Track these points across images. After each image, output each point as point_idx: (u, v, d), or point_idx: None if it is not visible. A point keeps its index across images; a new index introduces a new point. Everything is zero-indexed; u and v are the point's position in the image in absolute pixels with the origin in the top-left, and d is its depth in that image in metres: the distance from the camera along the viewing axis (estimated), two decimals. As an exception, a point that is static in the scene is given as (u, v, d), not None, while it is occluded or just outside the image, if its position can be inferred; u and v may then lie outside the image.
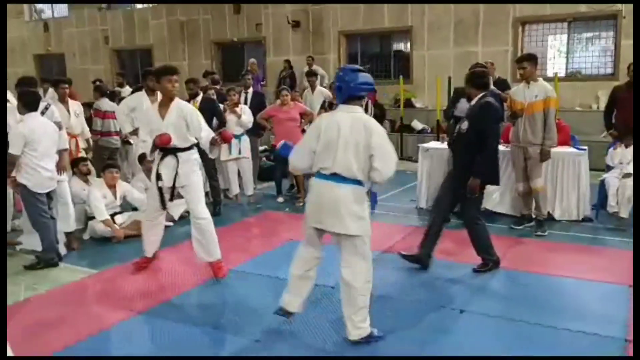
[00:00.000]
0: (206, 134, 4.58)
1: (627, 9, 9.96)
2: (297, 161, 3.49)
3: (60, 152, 5.15)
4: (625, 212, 5.73)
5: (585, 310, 3.92)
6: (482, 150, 4.41)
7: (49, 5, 17.95)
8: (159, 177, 4.54)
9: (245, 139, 7.17)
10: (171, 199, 4.80)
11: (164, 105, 4.56)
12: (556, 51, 11.40)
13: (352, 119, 3.25)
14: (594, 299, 4.11)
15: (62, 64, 17.23)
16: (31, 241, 5.24)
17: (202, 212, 4.54)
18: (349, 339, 3.36)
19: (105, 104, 7.54)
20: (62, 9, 17.62)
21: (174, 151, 4.52)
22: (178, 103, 4.58)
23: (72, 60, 17.15)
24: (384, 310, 3.83)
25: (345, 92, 3.32)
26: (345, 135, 3.20)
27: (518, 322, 3.71)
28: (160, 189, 4.58)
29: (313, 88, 8.55)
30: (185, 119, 4.51)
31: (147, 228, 4.79)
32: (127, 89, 9.68)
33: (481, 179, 4.45)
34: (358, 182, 3.25)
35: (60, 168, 5.15)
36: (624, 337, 3.41)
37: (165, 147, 4.51)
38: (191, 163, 4.60)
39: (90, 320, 3.82)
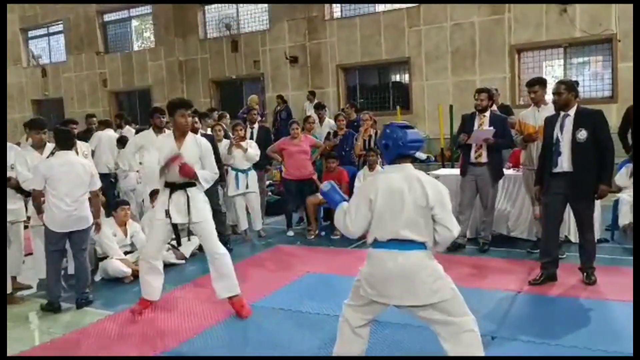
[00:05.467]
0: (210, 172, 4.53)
1: (621, 32, 10.15)
2: (355, 227, 3.02)
3: (92, 193, 5.00)
4: None
5: (617, 331, 3.84)
6: (605, 156, 4.54)
7: (47, 51, 18.15)
8: (166, 213, 4.37)
9: (253, 173, 7.14)
10: (179, 241, 4.80)
11: (177, 139, 4.47)
12: (552, 77, 11.57)
13: (407, 178, 2.97)
14: (624, 319, 4.02)
15: (60, 108, 17.32)
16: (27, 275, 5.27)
17: (218, 246, 4.45)
18: None
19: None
20: (60, 55, 17.81)
21: (184, 186, 4.41)
22: (194, 137, 4.55)
23: (71, 104, 17.24)
24: (411, 340, 3.73)
25: (394, 151, 3.03)
26: (405, 196, 2.91)
27: (553, 346, 3.62)
28: (174, 225, 4.47)
29: (322, 120, 8.61)
30: (200, 154, 4.46)
31: (146, 271, 4.53)
32: (127, 129, 9.64)
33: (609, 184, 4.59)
34: (424, 245, 2.95)
35: (95, 209, 5.02)
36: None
37: (174, 183, 4.40)
38: (202, 198, 4.51)
39: (113, 363, 3.70)
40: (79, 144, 6.55)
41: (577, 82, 5.02)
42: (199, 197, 4.46)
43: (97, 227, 5.14)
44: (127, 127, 9.98)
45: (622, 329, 3.84)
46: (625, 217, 5.87)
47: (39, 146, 5.35)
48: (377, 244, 2.97)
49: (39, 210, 4.88)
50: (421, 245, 2.92)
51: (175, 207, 4.37)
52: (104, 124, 9.26)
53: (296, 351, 3.63)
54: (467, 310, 2.98)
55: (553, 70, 11.47)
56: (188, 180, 4.40)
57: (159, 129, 6.49)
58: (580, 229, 4.88)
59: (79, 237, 4.90)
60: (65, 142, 4.93)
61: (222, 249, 4.47)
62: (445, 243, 3.02)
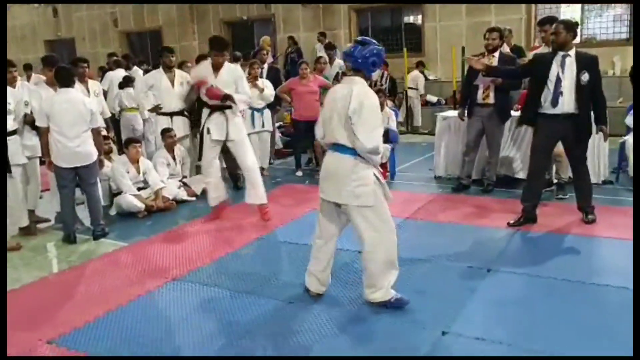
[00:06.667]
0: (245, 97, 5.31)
1: (642, -28, 9.80)
2: (316, 131, 3.59)
3: (93, 130, 5.11)
4: None
5: (610, 266, 3.99)
6: (601, 99, 4.71)
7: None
8: (208, 130, 5.15)
9: (267, 112, 7.25)
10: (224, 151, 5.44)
11: (214, 69, 5.19)
12: (570, 18, 11.26)
13: (346, 89, 3.24)
14: (618, 255, 4.16)
15: (72, 48, 17.27)
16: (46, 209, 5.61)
17: (252, 163, 5.26)
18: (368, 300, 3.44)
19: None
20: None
21: (222, 108, 5.12)
22: (229, 66, 5.29)
23: (82, 44, 17.18)
24: (412, 272, 3.91)
25: (351, 63, 3.33)
26: (336, 106, 3.26)
27: (546, 279, 3.77)
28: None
29: (332, 61, 8.58)
30: (235, 81, 5.19)
31: (207, 184, 5.47)
32: (135, 69, 9.66)
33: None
34: (356, 152, 3.24)
35: (96, 147, 5.15)
36: (652, 289, 3.46)
37: (214, 105, 5.11)
38: (238, 119, 5.25)
39: (129, 287, 3.93)
40: (91, 83, 6.65)
41: (576, 23, 4.97)
42: (235, 119, 5.20)
43: (101, 163, 5.29)
44: (135, 67, 10.02)
45: (617, 265, 3.98)
46: (632, 167, 5.87)
47: (52, 83, 5.45)
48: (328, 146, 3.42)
49: (45, 149, 5.03)
50: (352, 151, 3.22)
51: (214, 126, 5.13)
52: (116, 64, 9.32)
53: (297, 281, 3.82)
54: (389, 227, 3.33)
55: (571, 11, 11.16)
56: (222, 103, 5.08)
57: (169, 68, 6.55)
58: (576, 169, 4.93)
59: (86, 173, 5.06)
60: (66, 79, 5.03)
61: (256, 165, 5.33)
62: (362, 154, 3.21)
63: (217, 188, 5.46)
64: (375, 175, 3.29)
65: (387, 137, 3.44)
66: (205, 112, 5.25)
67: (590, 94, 4.62)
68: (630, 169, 5.93)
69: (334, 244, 3.59)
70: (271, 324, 3.32)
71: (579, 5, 11.01)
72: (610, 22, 10.87)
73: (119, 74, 8.62)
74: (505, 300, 3.46)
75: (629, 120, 6.20)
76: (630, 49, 9.61)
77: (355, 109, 3.15)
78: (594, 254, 4.29)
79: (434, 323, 3.22)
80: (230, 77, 5.20)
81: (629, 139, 5.98)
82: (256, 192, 5.26)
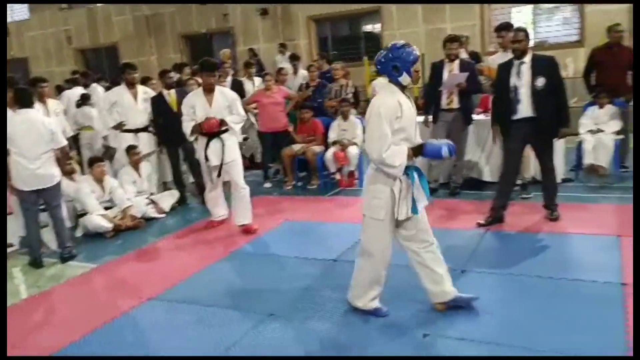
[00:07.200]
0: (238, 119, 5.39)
1: (588, -24, 10.22)
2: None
3: (58, 150, 5.01)
4: (605, 162, 6.09)
5: (580, 261, 4.13)
6: (562, 100, 4.78)
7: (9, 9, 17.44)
8: (207, 158, 5.26)
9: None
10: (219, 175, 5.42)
11: (206, 94, 5.22)
12: (522, 23, 11.64)
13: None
14: (586, 250, 4.31)
15: (26, 68, 16.82)
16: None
17: (243, 183, 5.39)
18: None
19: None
20: (22, 12, 17.15)
21: (219, 134, 5.22)
22: (221, 90, 5.35)
23: (36, 63, 16.76)
24: (389, 277, 3.93)
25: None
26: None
27: (517, 276, 3.87)
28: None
29: (296, 71, 8.62)
30: (230, 104, 5.26)
31: (209, 199, 5.61)
32: (94, 87, 9.45)
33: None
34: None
35: (61, 167, 5.06)
36: (620, 282, 3.59)
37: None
38: (234, 141, 5.34)
39: (102, 310, 3.83)
40: (50, 102, 6.53)
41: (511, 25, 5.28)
42: (231, 141, 5.31)
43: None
44: (94, 84, 9.80)
45: (584, 260, 4.12)
46: (589, 157, 6.14)
47: (11, 104, 5.29)
48: None
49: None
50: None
51: (212, 153, 5.24)
52: (73, 82, 9.10)
53: (276, 291, 3.81)
54: (383, 246, 3.33)
55: (522, 17, 11.54)
56: (218, 130, 5.19)
57: (131, 85, 6.46)
58: (543, 169, 5.09)
59: (49, 195, 4.95)
60: (25, 100, 4.92)
61: (246, 185, 5.42)
62: (376, 164, 3.17)
63: (222, 206, 5.71)
64: (393, 190, 3.17)
65: (421, 151, 3.23)
66: (202, 140, 5.29)
67: (550, 96, 4.77)
68: (588, 165, 6.15)
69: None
70: (253, 338, 3.30)
71: (530, 10, 11.38)
72: (560, 25, 11.28)
73: (76, 91, 8.41)
74: (481, 299, 3.53)
75: (584, 120, 6.42)
76: (582, 50, 10.01)
77: (367, 118, 3.16)
78: (561, 250, 4.42)
79: (414, 326, 3.27)
80: (225, 101, 5.26)
81: (586, 137, 6.20)
82: (247, 212, 5.37)
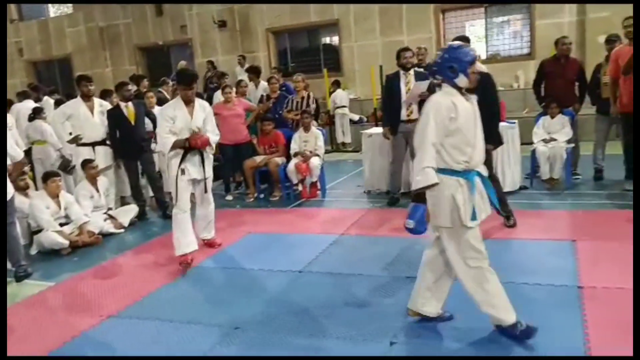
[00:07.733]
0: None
1: (538, -9, 10.63)
2: None
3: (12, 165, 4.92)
4: (557, 174, 6.33)
5: (537, 265, 4.23)
6: (493, 118, 4.70)
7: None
8: (183, 171, 4.87)
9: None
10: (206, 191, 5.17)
11: (187, 106, 4.91)
12: (475, 36, 12.00)
13: None
14: (542, 255, 4.43)
15: (-28, 80, 16.22)
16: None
17: (211, 199, 5.25)
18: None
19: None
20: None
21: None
22: (199, 102, 5.05)
23: (-16, 75, 16.18)
24: (351, 287, 3.97)
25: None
26: None
27: (479, 283, 3.94)
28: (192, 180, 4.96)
29: (256, 84, 8.62)
30: (205, 118, 4.99)
31: (177, 224, 4.85)
32: (46, 100, 9.20)
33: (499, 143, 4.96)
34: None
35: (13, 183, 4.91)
36: (575, 285, 3.73)
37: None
38: (210, 157, 5.12)
39: (60, 329, 3.71)
40: (1, 115, 6.28)
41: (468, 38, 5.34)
42: (208, 156, 5.07)
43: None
44: (46, 97, 9.55)
45: (542, 264, 4.23)
46: (544, 171, 6.36)
47: None
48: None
49: None
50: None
51: (191, 166, 4.90)
52: (23, 95, 8.82)
53: (241, 304, 3.78)
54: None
55: (475, 30, 11.89)
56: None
57: (87, 97, 6.34)
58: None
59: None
60: None
61: (212, 201, 5.27)
62: None
63: (192, 233, 5.03)
64: (454, 196, 3.04)
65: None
66: (178, 152, 4.85)
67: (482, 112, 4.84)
68: (543, 174, 6.37)
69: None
70: (219, 353, 3.25)
71: (482, 24, 11.74)
72: (511, 38, 11.67)
73: (27, 105, 8.14)
74: (448, 305, 3.58)
75: (537, 129, 6.64)
76: (532, 62, 10.37)
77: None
78: (519, 255, 4.54)
79: (380, 335, 3.29)
80: (203, 113, 4.99)
81: (539, 146, 6.42)
82: (212, 227, 5.30)
